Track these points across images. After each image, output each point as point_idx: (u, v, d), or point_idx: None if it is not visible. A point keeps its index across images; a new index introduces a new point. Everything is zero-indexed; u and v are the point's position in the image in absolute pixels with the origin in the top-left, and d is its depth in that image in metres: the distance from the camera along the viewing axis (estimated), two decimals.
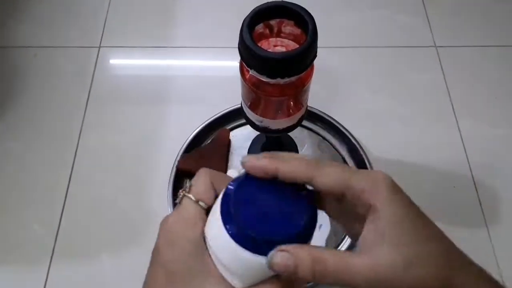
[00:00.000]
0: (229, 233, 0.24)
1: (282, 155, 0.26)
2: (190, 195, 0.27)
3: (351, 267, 0.23)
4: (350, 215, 0.26)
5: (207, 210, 0.27)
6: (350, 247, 0.56)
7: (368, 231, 0.24)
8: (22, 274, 0.57)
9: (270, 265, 0.23)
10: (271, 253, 0.23)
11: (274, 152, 0.26)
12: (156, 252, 0.27)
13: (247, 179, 0.26)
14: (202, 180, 0.28)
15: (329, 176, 0.25)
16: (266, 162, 0.25)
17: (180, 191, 0.28)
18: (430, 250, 0.24)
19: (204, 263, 0.25)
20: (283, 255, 0.23)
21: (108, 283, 0.56)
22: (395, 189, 0.25)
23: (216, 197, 0.27)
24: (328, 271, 0.23)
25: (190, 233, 0.26)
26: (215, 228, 0.25)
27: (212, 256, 0.26)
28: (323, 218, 0.53)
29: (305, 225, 0.25)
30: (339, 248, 0.57)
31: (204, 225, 0.26)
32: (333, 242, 0.57)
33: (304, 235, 0.25)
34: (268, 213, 0.25)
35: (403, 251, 0.23)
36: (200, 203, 0.27)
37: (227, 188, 0.26)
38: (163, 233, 0.27)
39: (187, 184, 0.28)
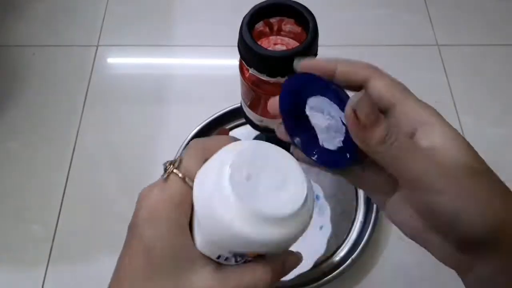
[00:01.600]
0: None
1: (338, 58, 0.25)
2: (178, 172, 0.25)
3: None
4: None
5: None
6: (351, 248, 0.56)
7: (424, 133, 0.23)
8: (20, 274, 0.56)
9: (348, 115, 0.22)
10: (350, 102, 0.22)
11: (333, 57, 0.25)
12: (134, 227, 0.24)
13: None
14: (193, 155, 0.26)
15: (386, 84, 0.24)
16: (324, 61, 0.25)
17: (167, 163, 0.26)
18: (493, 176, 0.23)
19: (189, 249, 0.24)
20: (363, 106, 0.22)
21: (106, 283, 0.55)
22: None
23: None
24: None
25: (175, 215, 0.24)
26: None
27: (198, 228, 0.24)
28: (324, 219, 0.53)
29: None
30: (340, 248, 0.56)
31: (189, 206, 0.25)
32: (334, 243, 0.56)
33: None
34: None
35: (467, 156, 0.23)
36: (188, 180, 0.25)
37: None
38: (145, 208, 0.25)
39: (177, 157, 0.26)
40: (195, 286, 0.23)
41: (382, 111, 0.24)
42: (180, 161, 0.25)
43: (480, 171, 0.22)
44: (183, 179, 0.25)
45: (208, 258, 0.25)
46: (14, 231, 0.59)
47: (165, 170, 0.25)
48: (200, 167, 0.25)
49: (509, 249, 0.21)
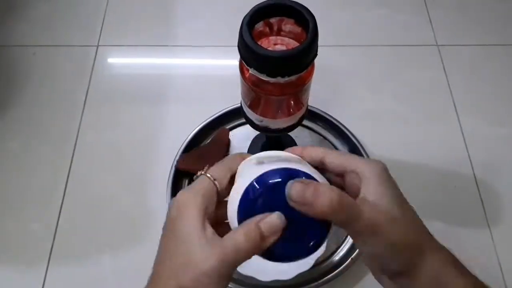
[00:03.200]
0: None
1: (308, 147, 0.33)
2: (207, 174, 0.31)
3: (356, 206, 0.28)
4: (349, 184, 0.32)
5: (219, 194, 0.30)
6: (351, 247, 0.56)
7: (366, 191, 0.30)
8: (21, 273, 0.56)
9: (288, 193, 0.27)
10: (290, 182, 0.27)
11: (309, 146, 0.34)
12: (168, 221, 0.29)
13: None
14: (219, 164, 0.32)
15: (334, 160, 0.32)
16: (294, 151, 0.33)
17: (199, 172, 0.31)
18: (410, 217, 0.30)
19: (201, 228, 0.28)
20: (297, 185, 0.27)
21: (107, 282, 0.56)
22: (386, 174, 0.31)
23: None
24: (341, 206, 0.27)
25: (197, 200, 0.29)
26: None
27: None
28: None
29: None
30: (340, 248, 0.56)
31: (211, 199, 0.30)
32: (333, 243, 0.57)
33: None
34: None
35: (390, 208, 0.29)
36: (211, 178, 0.30)
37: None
38: (175, 204, 0.29)
39: (206, 167, 0.31)
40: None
41: (340, 175, 0.32)
42: (208, 167, 0.31)
43: (399, 217, 0.29)
44: (209, 177, 0.30)
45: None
46: (15, 230, 0.59)
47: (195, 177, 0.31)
48: (225, 174, 0.31)
49: (422, 275, 0.29)
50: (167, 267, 0.28)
